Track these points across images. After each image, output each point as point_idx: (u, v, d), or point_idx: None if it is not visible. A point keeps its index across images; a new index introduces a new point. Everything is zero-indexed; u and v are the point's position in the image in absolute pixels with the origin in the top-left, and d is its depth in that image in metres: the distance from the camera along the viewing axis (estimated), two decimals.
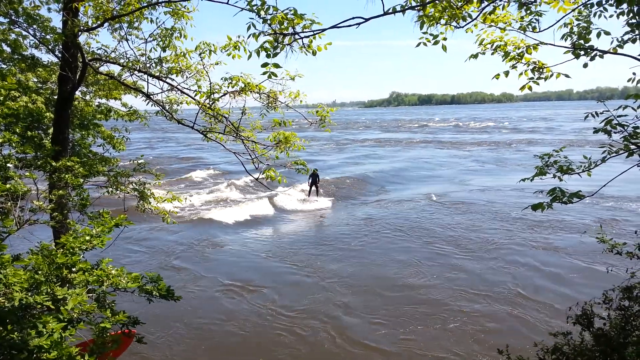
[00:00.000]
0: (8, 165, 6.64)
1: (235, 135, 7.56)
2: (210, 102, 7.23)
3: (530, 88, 6.11)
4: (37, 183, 7.23)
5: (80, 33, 7.55)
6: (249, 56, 5.20)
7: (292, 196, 25.38)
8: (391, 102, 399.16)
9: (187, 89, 7.66)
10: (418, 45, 5.69)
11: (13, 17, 9.41)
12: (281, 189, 25.54)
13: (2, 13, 9.13)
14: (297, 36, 4.71)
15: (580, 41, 5.58)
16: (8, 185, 5.79)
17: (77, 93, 9.13)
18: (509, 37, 6.04)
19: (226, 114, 7.42)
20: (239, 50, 6.32)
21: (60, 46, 8.86)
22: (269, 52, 4.81)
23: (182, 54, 7.82)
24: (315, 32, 4.69)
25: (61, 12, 8.53)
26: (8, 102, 6.50)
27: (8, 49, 10.06)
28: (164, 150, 55.72)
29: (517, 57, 6.00)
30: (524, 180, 6.37)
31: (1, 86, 5.74)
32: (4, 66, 10.01)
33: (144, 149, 54.54)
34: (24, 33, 9.88)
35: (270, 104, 7.24)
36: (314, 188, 25.90)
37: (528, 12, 5.61)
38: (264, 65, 5.03)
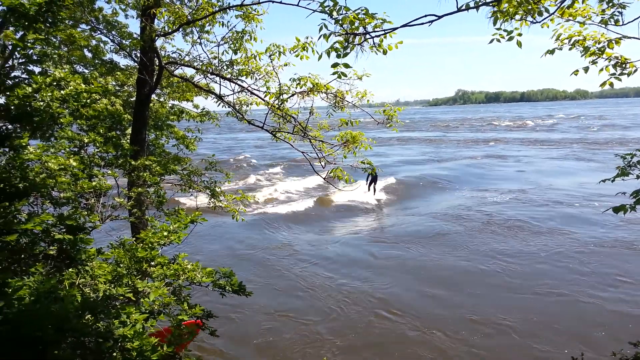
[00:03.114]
0: (92, 163, 7.07)
1: (303, 134, 7.67)
2: (279, 103, 7.36)
3: (611, 84, 5.79)
4: (117, 181, 7.65)
5: (156, 38, 7.91)
6: (319, 57, 5.27)
7: (355, 194, 25.24)
8: (457, 100, 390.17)
9: (257, 90, 7.86)
10: (491, 41, 5.51)
11: (94, 25, 10.01)
12: (348, 188, 25.34)
13: (85, 20, 9.73)
14: (367, 36, 4.71)
15: None
16: (93, 183, 6.16)
17: (152, 95, 9.57)
18: (588, 31, 5.76)
19: (294, 114, 7.54)
20: (307, 52, 6.40)
21: (138, 50, 9.32)
22: (339, 53, 4.83)
23: (252, 56, 8.02)
24: (386, 32, 4.67)
25: (138, 19, 8.98)
26: (93, 105, 6.92)
27: (89, 54, 10.71)
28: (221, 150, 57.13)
29: (597, 52, 5.71)
30: (604, 181, 6.09)
31: (88, 89, 6.12)
32: (86, 71, 10.66)
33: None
34: (104, 39, 10.50)
35: (337, 104, 7.29)
36: (371, 186, 26.03)
37: (610, 4, 5.32)
38: (334, 65, 5.06)
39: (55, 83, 6.42)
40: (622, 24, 5.44)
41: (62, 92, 6.29)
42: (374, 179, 25.75)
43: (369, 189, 25.96)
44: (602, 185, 6.23)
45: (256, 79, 8.11)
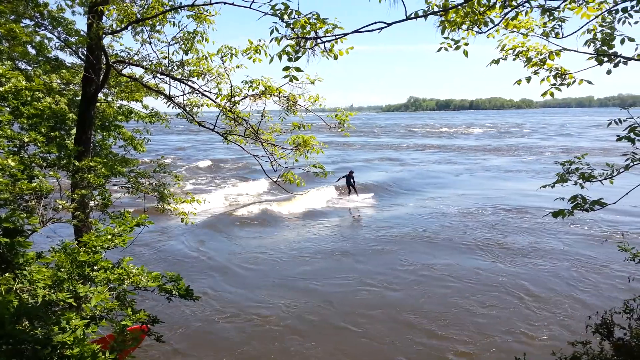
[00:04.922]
0: (32, 164, 6.79)
1: (254, 138, 7.63)
2: (231, 105, 7.29)
3: (552, 94, 6.05)
4: (60, 182, 7.37)
5: (104, 36, 7.69)
6: (271, 60, 5.26)
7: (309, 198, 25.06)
8: (409, 107, 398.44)
9: (208, 91, 7.76)
10: (439, 50, 5.67)
11: (38, 20, 9.63)
12: (300, 192, 24.79)
13: (28, 16, 9.34)
14: (319, 40, 4.74)
15: (603, 47, 5.52)
16: (34, 184, 5.91)
17: (100, 95, 9.29)
18: (531, 42, 6.00)
19: (246, 117, 7.49)
20: (259, 54, 6.37)
21: (85, 48, 9.03)
22: (290, 56, 4.84)
23: (203, 57, 7.92)
24: (337, 37, 4.72)
25: (85, 15, 8.71)
26: (35, 103, 6.65)
27: (33, 51, 10.29)
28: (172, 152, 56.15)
29: (539, 63, 5.96)
30: (544, 186, 6.34)
31: (28, 87, 5.88)
32: (29, 68, 10.23)
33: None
34: (49, 35, 10.10)
35: (289, 107, 7.29)
36: (351, 188, 26.13)
37: (551, 18, 5.56)
38: (286, 68, 5.07)
39: None
40: (562, 37, 5.70)
41: (0, 89, 6.03)
42: (348, 181, 26.12)
43: (349, 193, 26.08)
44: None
45: (207, 80, 8.01)
